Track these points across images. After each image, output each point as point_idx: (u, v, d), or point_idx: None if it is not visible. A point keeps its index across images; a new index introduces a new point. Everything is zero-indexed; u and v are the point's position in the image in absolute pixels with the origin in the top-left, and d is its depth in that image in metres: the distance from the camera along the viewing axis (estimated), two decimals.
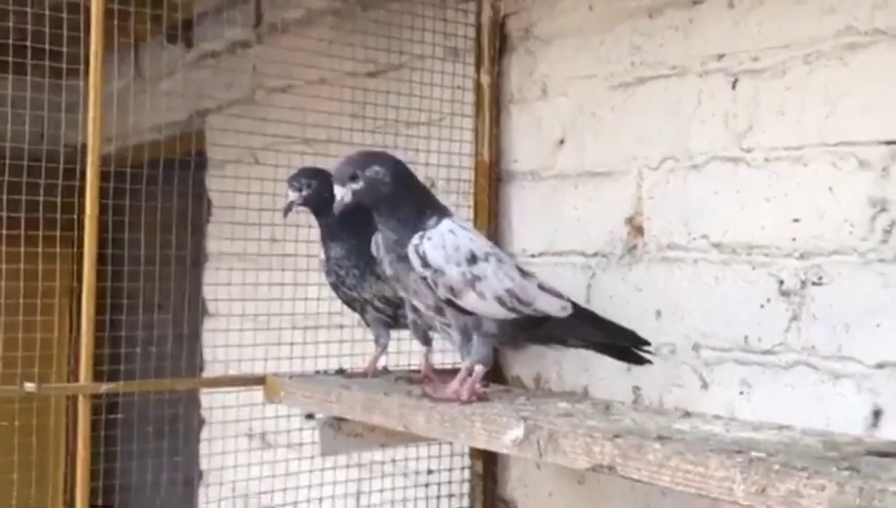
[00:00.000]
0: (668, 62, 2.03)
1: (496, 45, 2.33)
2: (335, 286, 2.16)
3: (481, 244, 1.85)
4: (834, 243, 1.74)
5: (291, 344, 2.32)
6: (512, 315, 1.84)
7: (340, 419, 1.92)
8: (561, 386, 2.20)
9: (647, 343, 1.93)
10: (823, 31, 1.76)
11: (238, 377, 2.18)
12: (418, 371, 2.14)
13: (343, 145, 2.35)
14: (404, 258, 1.80)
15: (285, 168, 2.28)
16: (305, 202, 2.06)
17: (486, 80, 2.35)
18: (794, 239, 1.80)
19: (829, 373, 1.75)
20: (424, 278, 1.79)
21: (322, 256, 2.17)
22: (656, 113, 2.05)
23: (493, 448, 1.51)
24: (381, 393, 1.79)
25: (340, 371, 2.19)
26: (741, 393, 1.88)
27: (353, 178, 1.78)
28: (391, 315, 2.13)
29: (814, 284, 1.77)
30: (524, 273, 1.88)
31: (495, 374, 2.31)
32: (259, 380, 2.08)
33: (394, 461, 2.40)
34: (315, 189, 2.05)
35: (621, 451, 1.28)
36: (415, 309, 1.99)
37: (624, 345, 1.94)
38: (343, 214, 1.83)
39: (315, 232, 2.21)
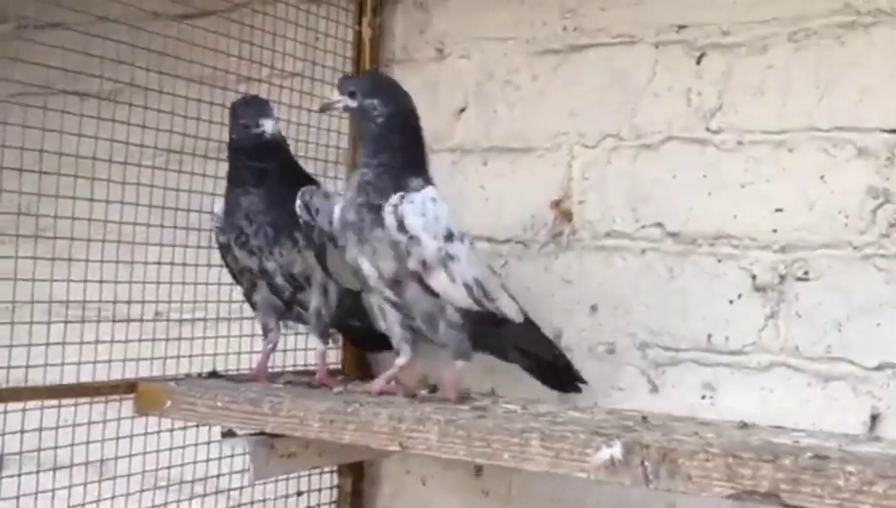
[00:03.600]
0: (612, 30, 1.82)
1: None
2: (227, 247, 1.73)
3: (456, 222, 1.58)
4: (825, 235, 1.62)
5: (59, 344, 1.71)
6: (475, 308, 1.58)
7: (273, 437, 1.52)
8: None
9: (583, 381, 1.72)
10: (814, 8, 1.64)
11: (88, 386, 1.65)
12: (312, 373, 1.78)
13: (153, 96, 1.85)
14: (375, 209, 1.52)
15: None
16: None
17: (367, 33, 2.02)
18: (774, 230, 1.66)
19: (816, 375, 1.63)
20: (397, 244, 1.51)
21: (218, 208, 1.74)
22: (595, 85, 1.83)
23: (561, 471, 1.22)
24: (340, 402, 1.43)
25: (213, 374, 1.77)
26: (703, 397, 1.72)
27: (352, 95, 1.56)
28: (287, 299, 1.74)
29: (798, 279, 1.65)
30: (488, 266, 1.62)
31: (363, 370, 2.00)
32: (124, 388, 1.61)
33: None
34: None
35: (790, 475, 1.05)
36: (324, 293, 1.72)
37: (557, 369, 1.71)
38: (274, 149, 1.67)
39: None
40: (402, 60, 2.04)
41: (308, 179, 1.74)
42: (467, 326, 1.57)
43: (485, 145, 1.95)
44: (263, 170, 1.68)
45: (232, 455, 1.81)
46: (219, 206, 1.74)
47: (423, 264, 1.51)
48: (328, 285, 1.71)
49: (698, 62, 1.74)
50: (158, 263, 1.84)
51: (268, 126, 1.69)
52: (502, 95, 1.93)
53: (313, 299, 1.71)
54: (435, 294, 1.54)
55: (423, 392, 1.61)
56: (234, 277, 1.78)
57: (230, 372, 1.80)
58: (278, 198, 1.67)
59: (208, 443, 1.87)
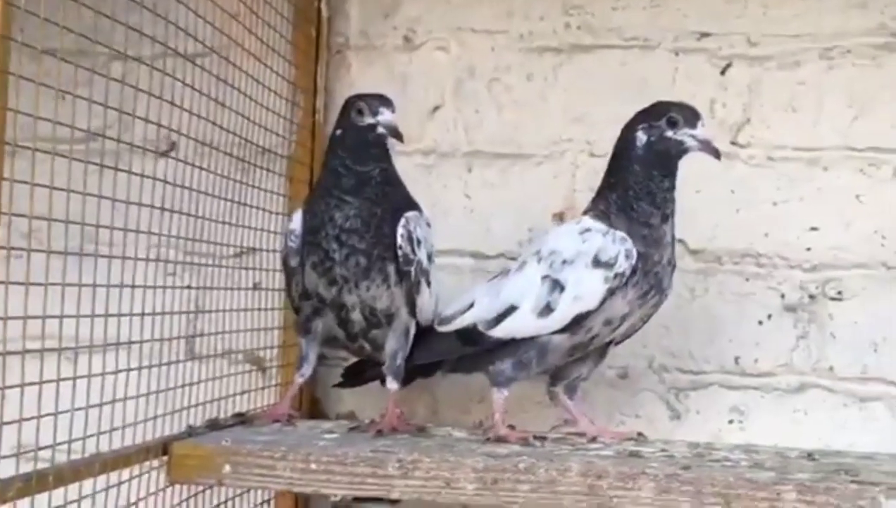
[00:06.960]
0: (625, 32, 1.70)
1: None
2: (294, 270, 1.42)
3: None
4: (861, 255, 1.62)
5: None
6: None
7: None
8: (439, 420, 1.70)
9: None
10: (849, 26, 1.63)
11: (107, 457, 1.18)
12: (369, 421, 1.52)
13: None
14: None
15: None
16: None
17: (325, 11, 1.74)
18: (808, 249, 1.64)
19: (851, 396, 1.62)
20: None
21: (296, 222, 1.41)
22: (605, 90, 1.71)
23: None
24: (496, 455, 1.17)
25: (239, 416, 1.43)
26: (731, 422, 1.65)
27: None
28: (354, 333, 1.45)
29: (832, 299, 1.63)
30: None
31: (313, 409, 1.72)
32: (152, 451, 1.21)
33: None
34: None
35: None
36: (405, 334, 1.48)
37: None
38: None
39: None
40: (361, 47, 1.78)
41: (409, 199, 1.47)
42: None
43: (466, 150, 1.75)
44: (366, 176, 1.39)
45: None
46: (296, 220, 1.42)
47: None
48: (410, 325, 1.45)
49: (723, 73, 1.67)
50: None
51: (385, 117, 1.39)
52: (488, 94, 1.75)
53: (391, 340, 1.45)
54: None
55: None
56: (294, 300, 1.47)
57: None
58: (372, 218, 1.39)
59: None
